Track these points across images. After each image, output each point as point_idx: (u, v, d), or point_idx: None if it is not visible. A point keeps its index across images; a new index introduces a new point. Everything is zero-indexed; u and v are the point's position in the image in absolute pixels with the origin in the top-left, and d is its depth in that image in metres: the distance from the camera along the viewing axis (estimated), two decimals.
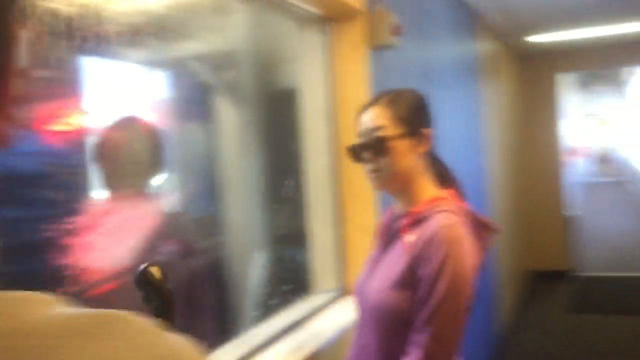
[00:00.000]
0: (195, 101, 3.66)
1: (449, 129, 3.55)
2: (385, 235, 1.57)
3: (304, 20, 2.43)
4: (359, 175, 2.42)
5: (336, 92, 2.46)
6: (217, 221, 2.97)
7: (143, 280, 1.13)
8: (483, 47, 5.16)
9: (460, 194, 1.56)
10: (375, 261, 1.56)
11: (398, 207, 1.56)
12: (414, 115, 1.50)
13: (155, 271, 1.16)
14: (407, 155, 1.47)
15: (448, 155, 3.65)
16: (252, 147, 2.97)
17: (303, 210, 2.49)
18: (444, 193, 1.52)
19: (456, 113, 3.89)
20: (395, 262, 1.45)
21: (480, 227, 1.49)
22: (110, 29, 3.29)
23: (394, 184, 1.50)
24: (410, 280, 1.39)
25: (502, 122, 5.92)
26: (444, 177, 1.57)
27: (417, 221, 1.45)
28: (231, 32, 3.33)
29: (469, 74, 4.50)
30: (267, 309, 2.41)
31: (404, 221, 1.49)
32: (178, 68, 3.96)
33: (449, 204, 1.46)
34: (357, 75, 2.42)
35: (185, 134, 3.55)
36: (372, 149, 1.47)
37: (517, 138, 7.02)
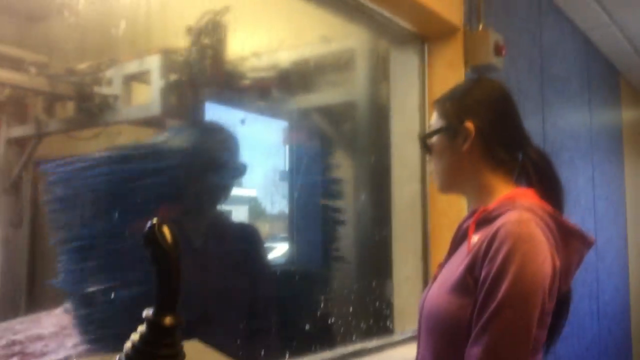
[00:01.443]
0: (314, 151, 3.66)
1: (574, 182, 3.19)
2: (455, 237, 1.35)
3: (399, 39, 2.32)
4: (452, 205, 2.20)
5: (430, 116, 2.28)
6: (325, 275, 2.86)
7: (150, 238, 1.02)
8: (628, 111, 4.70)
9: (554, 202, 1.30)
10: (441, 268, 1.33)
11: (472, 207, 1.35)
12: (459, 108, 1.31)
13: (165, 230, 1.05)
14: (447, 153, 1.30)
15: (572, 211, 3.35)
16: (363, 198, 2.85)
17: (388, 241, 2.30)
18: (522, 191, 1.28)
19: (580, 170, 3.50)
20: (456, 265, 1.22)
21: (567, 233, 1.22)
22: (241, 83, 3.43)
23: (447, 184, 1.34)
24: (471, 285, 1.15)
25: None
26: (541, 177, 1.32)
27: (485, 220, 1.22)
28: (349, 86, 3.33)
29: (605, 136, 4.08)
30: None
31: (471, 220, 1.27)
32: (300, 119, 4.02)
33: (524, 202, 1.21)
34: None
35: (303, 183, 3.54)
36: (422, 150, 1.35)
37: None
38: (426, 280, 2.22)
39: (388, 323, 2.24)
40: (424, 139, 1.35)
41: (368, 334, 2.19)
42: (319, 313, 2.20)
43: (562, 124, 3.23)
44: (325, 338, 2.25)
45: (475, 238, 1.21)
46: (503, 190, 1.28)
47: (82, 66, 4.29)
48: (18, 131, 5.24)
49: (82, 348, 1.88)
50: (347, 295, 2.27)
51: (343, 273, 2.42)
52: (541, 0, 3.00)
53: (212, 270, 1.84)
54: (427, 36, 2.30)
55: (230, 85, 3.41)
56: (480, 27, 2.28)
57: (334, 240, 2.73)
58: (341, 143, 2.88)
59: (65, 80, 4.31)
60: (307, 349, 1.93)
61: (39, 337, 2.05)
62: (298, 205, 3.20)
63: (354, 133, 3.14)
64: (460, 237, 1.31)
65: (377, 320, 2.24)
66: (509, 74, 2.56)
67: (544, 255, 1.11)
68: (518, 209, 1.18)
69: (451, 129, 1.29)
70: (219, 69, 3.33)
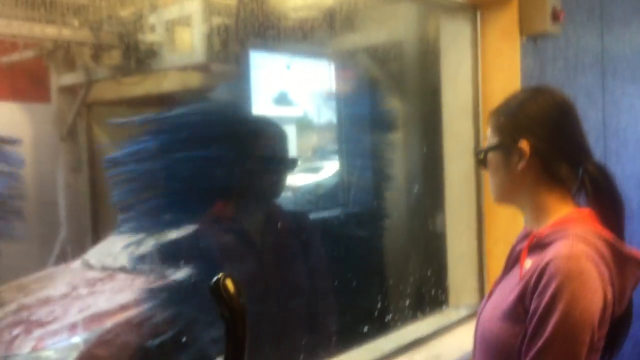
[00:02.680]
0: (360, 93, 3.61)
1: (633, 127, 3.07)
2: (509, 257, 1.35)
3: (450, 8, 2.21)
4: None
5: (482, 88, 2.21)
6: (377, 215, 2.89)
7: (216, 292, 1.07)
8: None
9: (612, 220, 1.26)
10: (496, 285, 1.35)
11: (527, 225, 1.34)
12: (512, 126, 1.27)
13: (228, 284, 1.09)
14: (502, 170, 1.28)
15: (633, 157, 3.25)
16: (413, 142, 2.82)
17: (440, 216, 2.30)
18: (578, 214, 1.25)
19: None
20: (509, 290, 1.24)
21: (622, 260, 1.20)
22: (281, 24, 3.35)
23: (502, 199, 1.33)
24: (522, 314, 1.17)
25: None
26: (600, 196, 1.28)
27: (538, 245, 1.22)
28: (396, 24, 3.20)
29: None
30: (400, 318, 2.27)
31: (525, 243, 1.27)
32: (346, 60, 3.94)
33: (578, 229, 1.19)
34: (508, 68, 2.14)
35: (350, 126, 3.52)
36: (477, 164, 1.32)
37: None
38: (481, 257, 2.23)
39: (442, 299, 2.28)
40: (478, 154, 1.34)
41: (423, 309, 2.25)
42: (379, 294, 2.26)
43: (622, 69, 3.07)
44: (383, 312, 2.33)
45: (528, 264, 1.22)
46: (559, 210, 1.26)
47: (124, 13, 4.24)
48: (68, 79, 5.30)
49: (85, 314, 1.94)
50: (403, 272, 2.32)
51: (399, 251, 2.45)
52: None
53: (274, 266, 1.89)
54: (479, 3, 2.19)
55: (275, 28, 3.34)
56: None
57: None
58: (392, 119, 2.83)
59: (108, 31, 4.28)
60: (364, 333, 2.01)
61: (48, 300, 2.11)
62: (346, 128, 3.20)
63: (404, 94, 3.07)
64: (514, 259, 1.31)
65: (433, 297, 2.29)
66: (567, 30, 2.42)
67: (593, 291, 1.11)
68: (571, 237, 1.16)
69: (505, 147, 1.27)
70: (261, 14, 3.25)
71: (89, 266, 2.17)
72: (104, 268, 2.13)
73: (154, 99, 4.54)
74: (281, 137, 1.95)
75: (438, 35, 2.33)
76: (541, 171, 1.25)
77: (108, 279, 2.10)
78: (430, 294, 2.30)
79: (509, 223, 2.16)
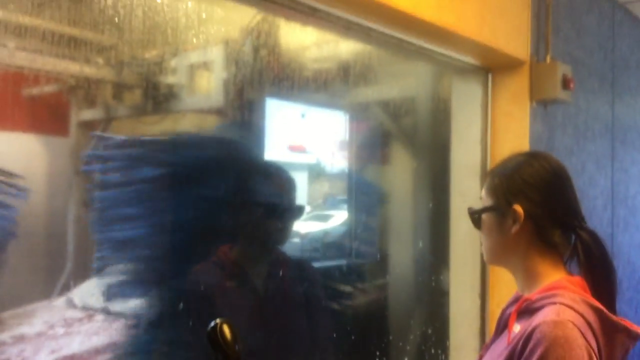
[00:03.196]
0: (373, 145, 3.66)
1: None
2: (499, 321, 1.34)
3: (463, 69, 2.26)
4: None
5: (491, 149, 2.23)
6: (381, 269, 2.88)
7: (212, 338, 1.08)
8: None
9: (604, 289, 1.26)
10: (486, 349, 1.34)
11: (518, 289, 1.33)
12: (507, 189, 1.27)
13: (225, 330, 1.10)
14: (495, 232, 1.27)
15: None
16: (422, 195, 2.84)
17: (445, 274, 2.29)
18: (568, 281, 1.25)
19: None
20: (497, 354, 1.24)
21: (611, 329, 1.19)
22: (297, 75, 3.42)
23: (494, 260, 1.33)
24: None
25: None
26: (592, 264, 1.28)
27: (527, 310, 1.21)
28: (410, 81, 3.26)
29: None
30: None
31: (514, 308, 1.26)
32: (359, 112, 4.01)
33: (567, 296, 1.19)
34: (517, 130, 2.18)
35: (361, 176, 3.56)
36: (472, 222, 1.33)
37: None
38: (483, 318, 2.21)
39: (442, 358, 2.26)
40: (472, 214, 1.33)
41: None
42: (377, 350, 2.24)
43: (632, 138, 3.09)
44: None
45: (516, 328, 1.21)
46: (550, 276, 1.25)
47: (148, 55, 4.37)
48: (88, 114, 5.43)
49: (56, 356, 1.87)
50: (404, 328, 2.30)
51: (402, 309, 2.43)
52: (614, 11, 2.84)
53: (275, 314, 1.88)
54: (491, 66, 2.23)
55: (291, 77, 3.41)
56: (548, 59, 2.19)
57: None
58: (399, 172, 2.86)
59: (132, 71, 4.40)
60: None
61: (22, 338, 2.03)
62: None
63: (413, 150, 3.11)
64: (503, 323, 1.30)
65: (432, 356, 2.26)
66: (578, 97, 2.46)
67: (579, 359, 1.10)
68: (558, 304, 1.16)
69: (499, 210, 1.27)
70: (278, 64, 3.33)
71: (71, 304, 2.10)
72: (85, 308, 2.06)
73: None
74: (289, 185, 1.96)
75: (450, 94, 2.37)
76: (534, 236, 1.25)
77: (87, 320, 2.03)
78: (430, 353, 2.28)
79: (513, 284, 2.14)
